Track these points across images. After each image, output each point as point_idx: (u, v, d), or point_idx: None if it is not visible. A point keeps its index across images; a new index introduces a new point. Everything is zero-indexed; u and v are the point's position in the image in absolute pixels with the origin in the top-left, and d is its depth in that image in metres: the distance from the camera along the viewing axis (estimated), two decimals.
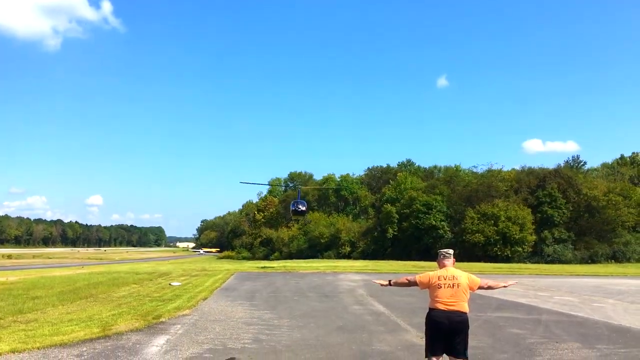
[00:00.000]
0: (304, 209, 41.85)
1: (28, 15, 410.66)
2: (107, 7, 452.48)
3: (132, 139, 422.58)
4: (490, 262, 57.62)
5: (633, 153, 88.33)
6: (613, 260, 59.72)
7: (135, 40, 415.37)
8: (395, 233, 73.17)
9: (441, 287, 6.15)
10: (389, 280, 6.89)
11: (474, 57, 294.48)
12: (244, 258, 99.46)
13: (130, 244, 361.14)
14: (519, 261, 60.57)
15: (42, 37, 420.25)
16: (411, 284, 6.55)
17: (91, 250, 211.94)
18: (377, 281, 7.22)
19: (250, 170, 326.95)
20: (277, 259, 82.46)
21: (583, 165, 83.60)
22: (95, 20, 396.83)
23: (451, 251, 6.62)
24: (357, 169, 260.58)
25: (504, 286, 6.87)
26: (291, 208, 42.45)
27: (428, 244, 67.27)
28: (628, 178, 77.85)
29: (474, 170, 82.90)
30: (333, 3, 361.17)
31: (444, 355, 6.20)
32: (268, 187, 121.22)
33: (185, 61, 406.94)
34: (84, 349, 8.88)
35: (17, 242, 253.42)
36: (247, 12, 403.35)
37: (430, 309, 6.25)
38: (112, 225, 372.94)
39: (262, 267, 39.61)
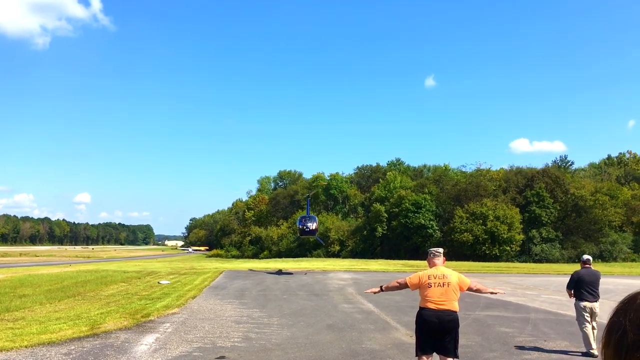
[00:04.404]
0: (313, 227, 33.61)
1: (16, 12, 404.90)
2: (96, 4, 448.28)
3: (121, 137, 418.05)
4: (479, 261, 57.99)
5: (620, 153, 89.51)
6: (600, 260, 60.22)
7: (125, 38, 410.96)
8: (384, 232, 73.38)
9: (431, 286, 6.17)
10: (380, 286, 6.91)
11: (461, 58, 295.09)
12: (233, 257, 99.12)
13: (118, 242, 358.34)
14: (507, 260, 61.03)
15: (30, 35, 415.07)
16: (402, 286, 6.58)
17: (79, 248, 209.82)
18: (369, 290, 7.22)
19: (239, 169, 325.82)
20: (266, 257, 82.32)
21: (570, 165, 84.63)
22: (85, 17, 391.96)
23: (441, 250, 6.66)
24: (346, 167, 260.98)
25: (492, 293, 6.98)
26: (298, 226, 34.70)
27: (417, 243, 67.56)
28: (615, 178, 78.65)
29: (463, 169, 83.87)
30: (321, 3, 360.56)
31: (434, 354, 6.23)
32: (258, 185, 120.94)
33: (175, 59, 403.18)
34: (72, 347, 8.81)
35: (4, 240, 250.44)
36: (237, 11, 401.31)
37: (420, 308, 6.27)
38: (100, 224, 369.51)
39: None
